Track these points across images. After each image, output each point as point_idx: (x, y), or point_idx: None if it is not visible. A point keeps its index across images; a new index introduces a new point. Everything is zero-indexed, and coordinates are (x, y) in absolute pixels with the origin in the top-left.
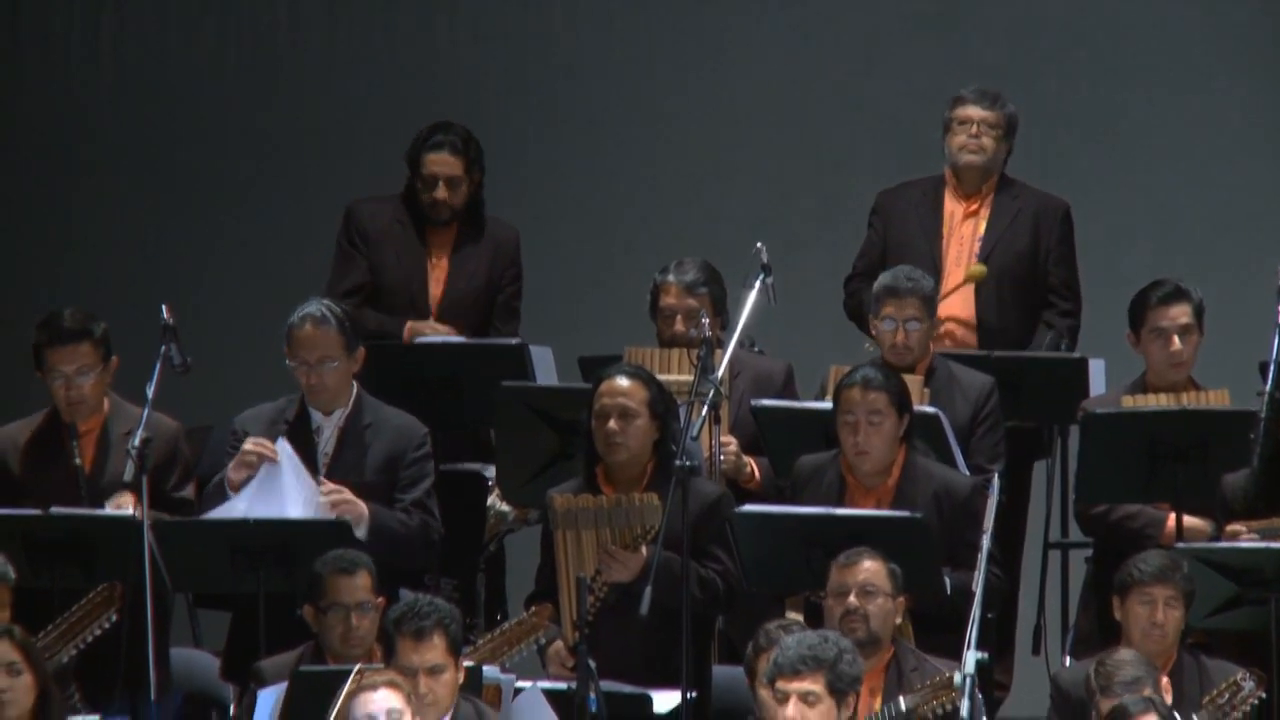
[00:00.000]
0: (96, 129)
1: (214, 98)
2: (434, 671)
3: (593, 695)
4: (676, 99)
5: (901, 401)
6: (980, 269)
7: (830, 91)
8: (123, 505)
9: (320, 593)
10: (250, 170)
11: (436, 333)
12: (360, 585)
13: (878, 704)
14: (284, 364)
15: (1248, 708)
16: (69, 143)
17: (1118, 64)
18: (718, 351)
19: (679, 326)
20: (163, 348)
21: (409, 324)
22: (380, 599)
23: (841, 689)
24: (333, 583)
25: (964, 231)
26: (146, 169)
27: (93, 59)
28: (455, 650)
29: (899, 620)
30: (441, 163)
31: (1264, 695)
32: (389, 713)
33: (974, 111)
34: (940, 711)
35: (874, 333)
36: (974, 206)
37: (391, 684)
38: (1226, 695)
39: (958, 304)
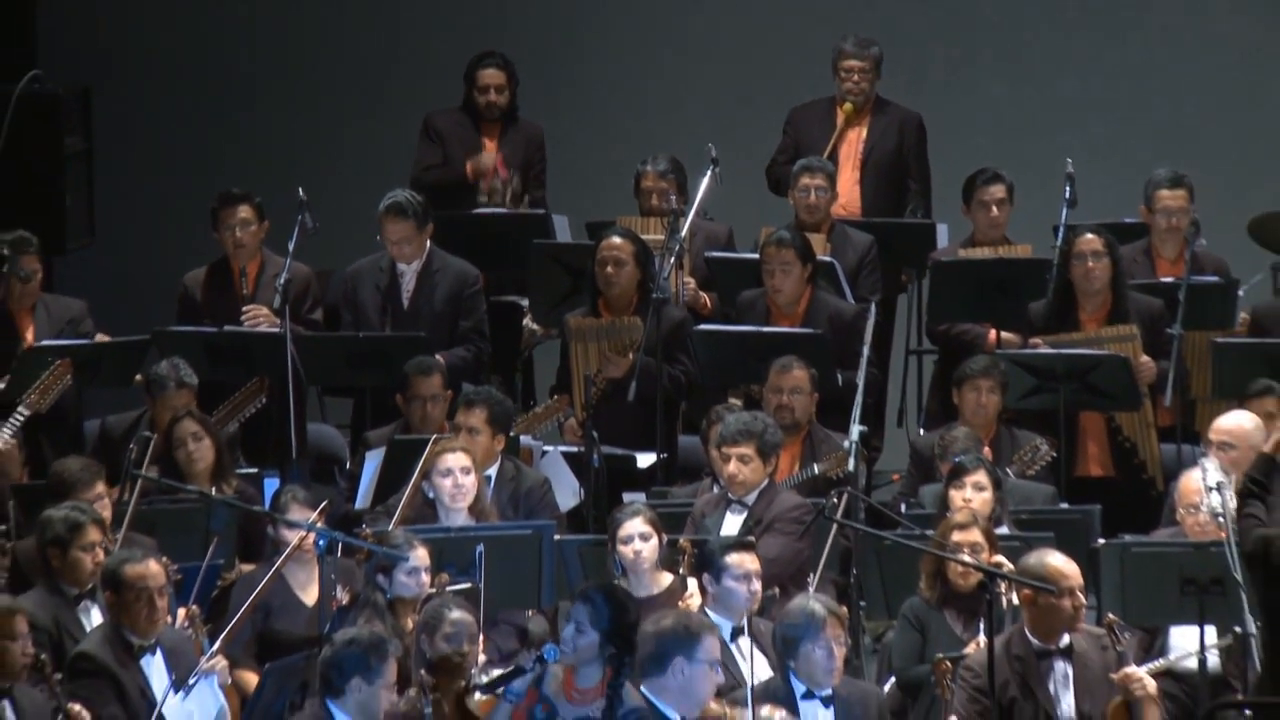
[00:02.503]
0: (253, 58)
1: (332, 35)
2: (472, 432)
3: (595, 455)
4: (659, 36)
5: (805, 254)
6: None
7: (759, 34)
8: (259, 316)
9: (406, 387)
10: (358, 88)
11: (488, 155)
12: (434, 383)
13: (796, 468)
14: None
15: (1043, 463)
16: (233, 72)
17: None
18: (681, 219)
19: (655, 201)
20: (299, 216)
21: (469, 162)
22: (449, 391)
23: (767, 452)
24: (414, 381)
25: (850, 137)
26: (286, 90)
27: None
28: (493, 421)
29: (813, 410)
30: (491, 76)
31: (1054, 455)
32: (461, 468)
33: (854, 63)
34: (840, 474)
35: (792, 200)
36: (857, 121)
37: (464, 449)
38: (1029, 455)
39: (848, 187)
